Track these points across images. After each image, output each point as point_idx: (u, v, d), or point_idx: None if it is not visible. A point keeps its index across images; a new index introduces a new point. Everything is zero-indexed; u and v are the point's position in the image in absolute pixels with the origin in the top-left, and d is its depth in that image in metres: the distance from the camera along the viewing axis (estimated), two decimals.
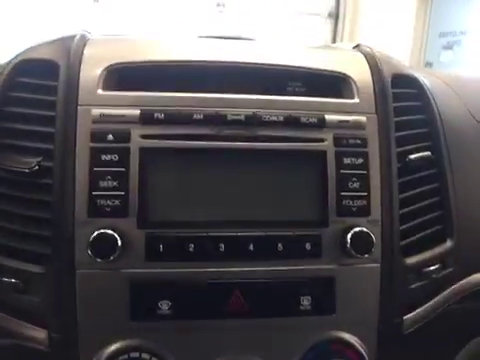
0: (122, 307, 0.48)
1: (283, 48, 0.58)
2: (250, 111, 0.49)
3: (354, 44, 0.60)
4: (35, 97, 0.49)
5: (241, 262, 0.49)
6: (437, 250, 0.54)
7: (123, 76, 0.51)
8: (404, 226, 0.52)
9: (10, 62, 0.51)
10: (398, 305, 0.53)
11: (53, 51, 0.51)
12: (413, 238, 0.53)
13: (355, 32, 3.38)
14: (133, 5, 3.15)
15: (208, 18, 3.26)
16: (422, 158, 0.54)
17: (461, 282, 0.56)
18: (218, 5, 3.36)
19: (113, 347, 0.48)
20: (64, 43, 0.51)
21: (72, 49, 0.50)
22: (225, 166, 0.50)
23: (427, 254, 0.54)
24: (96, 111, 0.48)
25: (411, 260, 0.53)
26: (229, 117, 0.49)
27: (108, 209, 0.47)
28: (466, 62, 2.95)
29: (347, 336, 0.51)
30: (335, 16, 3.57)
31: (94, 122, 0.48)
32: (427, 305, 0.55)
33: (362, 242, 0.49)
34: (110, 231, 0.46)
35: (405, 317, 0.54)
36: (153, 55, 0.52)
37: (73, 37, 0.52)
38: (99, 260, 0.46)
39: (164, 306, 0.48)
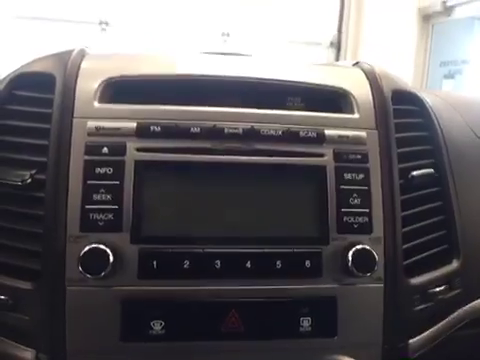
0: (113, 327, 0.45)
1: (282, 64, 0.57)
2: (248, 125, 0.49)
3: (354, 62, 0.60)
4: (31, 110, 0.49)
5: (238, 280, 0.47)
6: (442, 271, 0.52)
7: (120, 89, 0.50)
8: (407, 245, 0.50)
9: (7, 76, 0.51)
10: (403, 327, 0.50)
11: (50, 64, 0.51)
12: (417, 257, 0.51)
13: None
14: (140, 34, 3.23)
15: (213, 47, 3.33)
16: (425, 175, 0.52)
17: (470, 305, 0.54)
18: (223, 34, 3.44)
19: None
20: (62, 57, 0.51)
21: (69, 62, 0.50)
22: (222, 180, 0.48)
23: (432, 274, 0.52)
24: (92, 124, 0.47)
25: (416, 280, 0.51)
26: (227, 131, 0.48)
27: (101, 223, 0.45)
28: (468, 91, 2.97)
29: None
30: (337, 45, 3.63)
31: (89, 135, 0.47)
32: (433, 328, 0.52)
33: (364, 260, 0.47)
34: (102, 246, 0.44)
35: (411, 341, 0.51)
36: (151, 69, 0.52)
37: (71, 51, 0.52)
38: (90, 276, 0.44)
39: (157, 326, 0.46)
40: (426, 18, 3.28)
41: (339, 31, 3.55)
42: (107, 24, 3.23)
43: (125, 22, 3.22)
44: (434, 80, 3.28)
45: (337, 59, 3.57)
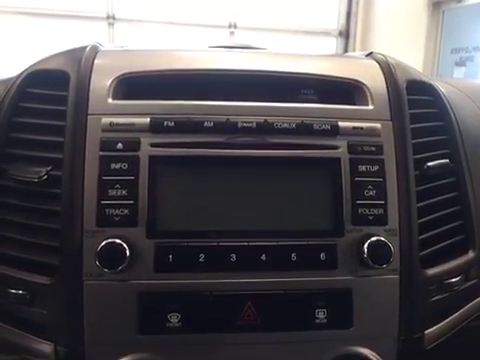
0: (130, 320, 0.46)
1: (294, 56, 0.57)
2: (261, 118, 0.49)
3: (367, 52, 0.59)
4: (45, 107, 0.49)
5: (253, 273, 0.47)
6: (458, 261, 0.52)
7: (133, 85, 0.50)
8: (423, 236, 0.50)
9: (21, 73, 0.52)
10: (419, 318, 0.50)
11: (63, 62, 0.51)
12: (433, 248, 0.51)
13: (366, 50, 3.39)
14: (147, 27, 3.23)
15: (220, 38, 3.31)
16: (440, 166, 0.52)
17: None
18: (230, 26, 3.42)
19: None
20: (75, 54, 0.51)
21: (83, 59, 0.50)
22: (236, 174, 0.48)
23: (448, 265, 0.51)
24: (106, 120, 0.47)
25: (431, 271, 0.50)
26: (240, 124, 0.48)
27: (117, 218, 0.46)
28: None
29: (366, 351, 0.49)
30: (345, 34, 3.59)
31: (104, 131, 0.47)
32: (449, 319, 0.52)
33: (380, 252, 0.46)
34: (118, 240, 0.45)
35: (426, 331, 0.51)
36: (163, 65, 0.52)
37: (84, 48, 0.52)
38: (107, 271, 0.44)
39: (173, 319, 0.46)
40: (436, 5, 3.23)
41: (348, 20, 3.51)
42: (114, 18, 3.23)
43: (132, 16, 3.22)
44: (445, 67, 3.24)
45: (346, 48, 3.54)
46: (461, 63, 3.15)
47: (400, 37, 3.07)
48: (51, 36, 3.00)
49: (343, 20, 3.54)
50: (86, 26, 3.16)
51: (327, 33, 3.59)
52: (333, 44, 3.59)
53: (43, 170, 0.47)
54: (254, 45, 0.61)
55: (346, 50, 3.55)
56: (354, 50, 3.45)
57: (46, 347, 0.47)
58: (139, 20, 3.24)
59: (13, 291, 0.47)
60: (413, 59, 2.93)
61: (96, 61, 0.50)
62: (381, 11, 3.28)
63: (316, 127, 0.49)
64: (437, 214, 0.52)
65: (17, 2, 3.01)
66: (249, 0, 3.35)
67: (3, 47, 2.86)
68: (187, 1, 3.22)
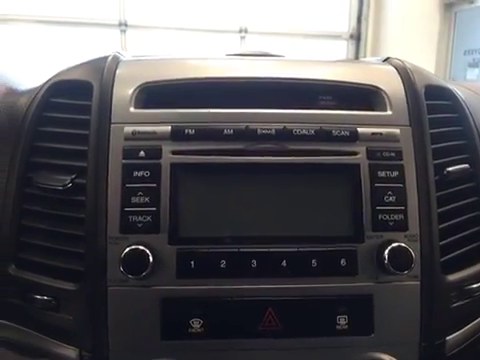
0: (153, 325, 0.47)
1: (312, 62, 0.57)
2: (280, 125, 0.49)
3: (383, 58, 0.59)
4: (69, 116, 0.51)
5: (274, 279, 0.47)
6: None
7: (153, 94, 0.51)
8: (444, 241, 0.50)
9: (44, 84, 0.53)
10: (440, 325, 0.50)
11: (86, 72, 0.52)
12: (454, 254, 0.51)
13: (378, 53, 3.37)
14: (159, 33, 3.26)
15: (231, 43, 3.33)
16: (460, 171, 0.52)
17: None
18: (240, 31, 3.43)
19: None
20: (97, 64, 0.53)
21: (105, 69, 0.51)
22: (256, 181, 0.49)
23: (469, 271, 0.51)
24: (128, 128, 0.48)
25: (452, 277, 0.50)
26: (259, 132, 0.49)
27: (140, 225, 0.47)
28: None
29: (387, 357, 0.49)
30: (357, 38, 3.58)
31: (126, 139, 0.48)
32: (471, 325, 0.52)
33: (401, 258, 0.47)
34: (142, 247, 0.45)
35: (448, 338, 0.51)
36: (183, 73, 0.52)
37: (106, 58, 0.53)
38: (131, 277, 0.45)
39: (195, 324, 0.47)
40: (448, 6, 3.20)
41: (359, 23, 3.50)
42: (126, 25, 3.26)
43: (143, 22, 3.25)
44: (458, 69, 3.20)
45: (357, 51, 3.52)
46: (474, 64, 3.12)
47: (412, 39, 3.06)
48: (65, 43, 3.04)
49: (354, 23, 3.53)
50: (99, 33, 3.20)
51: (338, 36, 3.58)
52: (344, 47, 3.58)
53: (68, 178, 0.48)
54: (271, 52, 0.61)
55: (357, 53, 3.54)
56: (365, 53, 3.44)
57: (71, 352, 0.48)
58: (150, 26, 3.27)
59: (39, 297, 0.48)
60: (425, 61, 2.91)
61: (118, 71, 0.51)
62: (392, 14, 3.26)
63: (335, 133, 0.49)
64: (458, 219, 0.51)
65: (31, 11, 3.06)
66: (259, 5, 3.36)
67: (19, 55, 2.91)
68: (198, 7, 3.24)
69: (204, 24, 3.29)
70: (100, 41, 3.12)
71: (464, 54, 3.18)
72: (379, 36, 3.41)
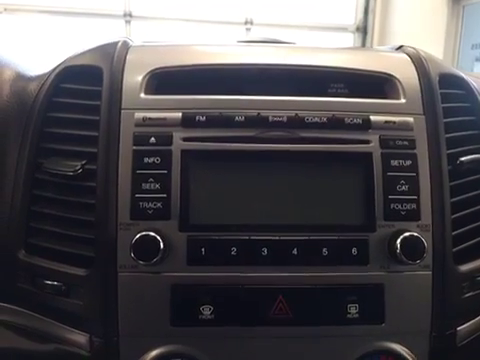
0: (163, 312, 0.47)
1: (324, 50, 0.57)
2: (292, 112, 0.49)
3: (396, 46, 0.59)
4: (79, 102, 0.50)
5: (285, 267, 0.47)
6: None
7: (164, 80, 0.51)
8: (456, 232, 0.50)
9: (54, 69, 0.52)
10: (451, 315, 0.50)
11: (96, 57, 0.52)
12: (466, 244, 0.50)
13: (384, 45, 3.35)
14: (164, 24, 3.24)
15: (237, 35, 3.31)
16: (474, 160, 0.51)
17: None
18: (246, 22, 3.42)
19: (154, 353, 0.47)
20: (107, 49, 0.52)
21: (115, 55, 0.51)
22: (267, 168, 0.49)
23: None
24: (139, 115, 0.48)
25: (464, 267, 0.50)
26: (271, 119, 0.48)
27: (150, 211, 0.46)
28: None
29: (397, 347, 0.48)
30: (363, 30, 3.55)
31: (137, 125, 0.48)
32: None
33: (413, 248, 0.46)
34: (152, 233, 0.45)
35: (459, 328, 0.50)
36: (195, 59, 0.52)
37: (115, 44, 0.52)
38: (141, 263, 0.45)
39: (206, 311, 0.47)
40: None
41: (365, 15, 3.47)
42: (131, 16, 3.25)
43: (148, 13, 3.24)
44: (465, 63, 3.17)
45: (363, 44, 3.50)
46: None
47: (419, 33, 3.03)
48: (70, 33, 3.03)
49: (361, 15, 3.51)
50: (104, 24, 3.19)
51: (344, 29, 3.55)
52: (350, 40, 3.55)
53: (78, 164, 0.48)
54: (282, 40, 0.61)
55: (363, 46, 3.51)
56: (372, 46, 3.41)
57: (81, 338, 0.48)
58: (155, 17, 3.26)
59: (49, 282, 0.48)
60: (432, 54, 2.89)
61: (128, 56, 0.51)
62: (399, 6, 3.23)
63: (347, 121, 0.49)
64: (470, 210, 0.51)
65: (37, 1, 3.05)
66: None
67: (25, 44, 2.91)
68: None
69: (209, 15, 3.27)
70: (105, 32, 3.11)
71: (471, 48, 3.15)
72: (386, 29, 3.38)
